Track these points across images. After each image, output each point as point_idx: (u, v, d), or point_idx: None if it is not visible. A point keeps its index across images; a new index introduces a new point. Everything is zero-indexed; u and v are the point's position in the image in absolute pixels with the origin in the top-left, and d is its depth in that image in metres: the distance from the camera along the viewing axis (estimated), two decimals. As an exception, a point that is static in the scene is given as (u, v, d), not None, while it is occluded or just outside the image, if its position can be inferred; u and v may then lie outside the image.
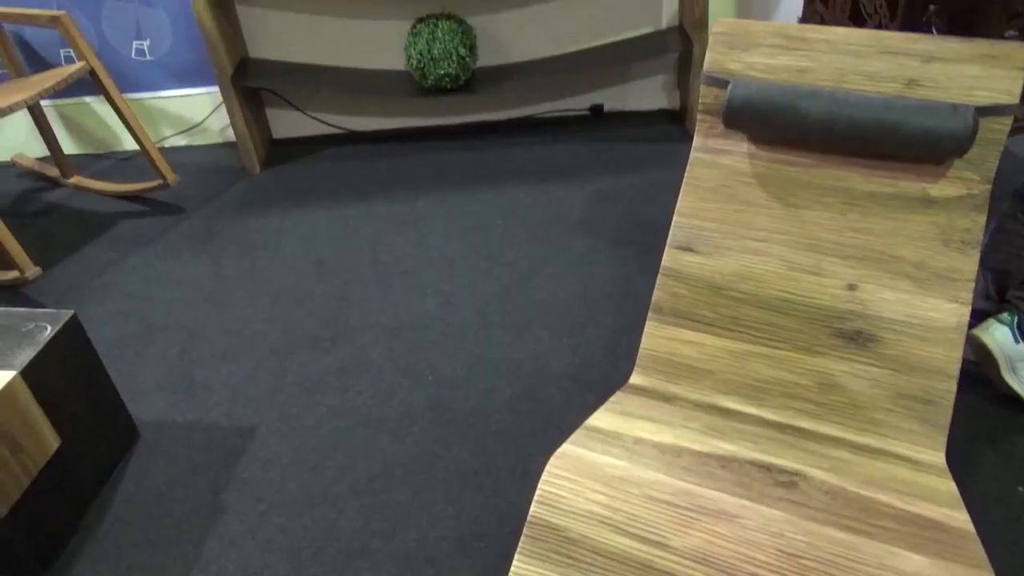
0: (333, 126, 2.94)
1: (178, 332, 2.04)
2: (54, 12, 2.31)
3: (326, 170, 2.73)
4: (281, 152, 2.88)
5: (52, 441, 1.47)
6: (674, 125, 2.81)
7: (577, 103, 2.91)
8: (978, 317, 1.57)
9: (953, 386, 1.23)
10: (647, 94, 2.89)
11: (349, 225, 2.42)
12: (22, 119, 2.86)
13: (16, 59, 2.59)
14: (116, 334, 2.05)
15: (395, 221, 2.42)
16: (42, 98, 2.23)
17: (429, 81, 2.55)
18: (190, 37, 2.73)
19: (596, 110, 2.92)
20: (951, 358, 1.24)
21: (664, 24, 2.75)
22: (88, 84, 2.50)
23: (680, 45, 2.59)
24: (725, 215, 1.42)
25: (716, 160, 1.46)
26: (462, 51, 2.50)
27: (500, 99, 2.89)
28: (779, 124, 1.35)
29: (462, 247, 2.26)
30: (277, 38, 2.73)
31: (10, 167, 2.93)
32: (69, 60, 2.77)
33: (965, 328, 1.24)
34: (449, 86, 2.57)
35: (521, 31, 2.73)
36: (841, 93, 1.31)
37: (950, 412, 1.22)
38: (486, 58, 2.76)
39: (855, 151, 1.35)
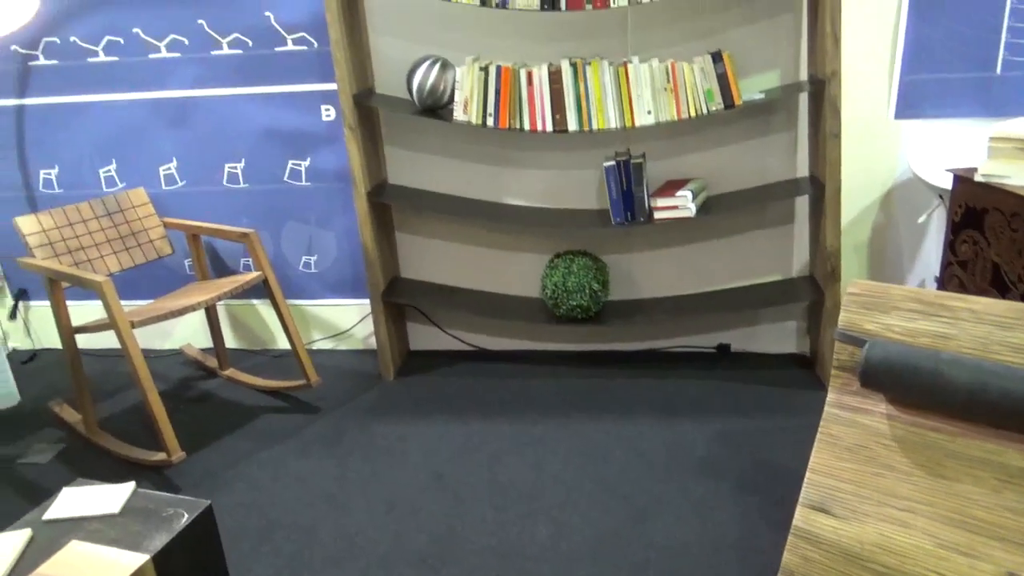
0: (467, 343, 3.11)
1: (295, 532, 2.08)
2: (245, 230, 2.68)
3: (455, 385, 2.85)
4: (416, 363, 3.04)
5: (163, 632, 1.49)
6: (803, 371, 2.77)
7: (704, 341, 2.95)
8: None
9: None
10: (775, 338, 2.89)
11: (471, 441, 2.47)
12: (196, 313, 3.21)
13: (205, 264, 2.97)
14: (238, 525, 2.12)
15: (516, 442, 2.44)
16: (220, 300, 2.53)
17: (561, 310, 2.69)
18: (352, 256, 3.06)
19: (723, 349, 2.94)
20: None
21: (794, 272, 2.81)
22: (259, 289, 2.81)
23: (810, 294, 2.62)
24: (863, 477, 1.36)
25: (853, 418, 1.43)
26: (595, 286, 2.65)
27: (629, 332, 2.98)
28: (921, 388, 1.32)
29: (580, 476, 2.24)
30: (426, 261, 3.01)
31: (178, 355, 3.25)
32: (247, 268, 3.15)
33: None
34: (580, 316, 2.69)
35: (653, 270, 2.87)
36: (988, 363, 1.28)
37: None
38: (617, 292, 2.90)
39: (1007, 423, 1.28)
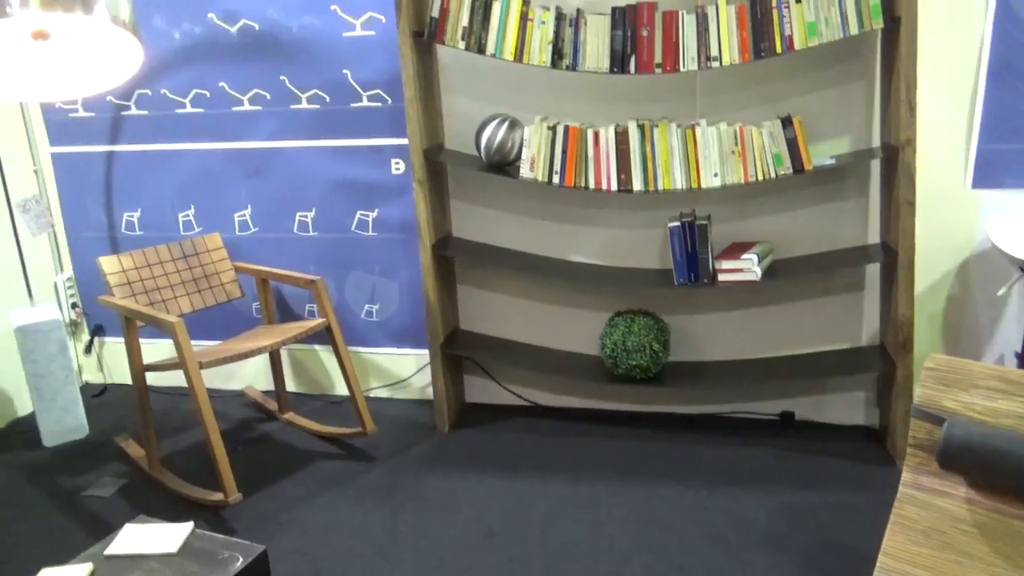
0: (523, 398, 3.09)
1: (345, 582, 2.07)
2: (312, 277, 2.75)
3: (510, 440, 2.82)
4: (472, 415, 3.03)
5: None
6: (872, 444, 2.66)
7: (767, 407, 2.87)
8: None
9: None
10: (843, 408, 2.79)
11: (524, 500, 2.43)
12: (260, 356, 3.28)
13: (271, 308, 3.05)
14: (289, 571, 2.12)
15: (570, 503, 2.40)
16: (284, 345, 2.58)
17: (620, 370, 2.65)
18: (413, 306, 3.10)
19: (787, 417, 2.85)
20: None
21: (864, 341, 2.72)
22: (321, 335, 2.87)
23: (881, 365, 2.53)
24: (941, 565, 1.28)
25: (929, 500, 1.36)
26: (656, 346, 2.61)
27: (689, 394, 2.92)
28: (1004, 473, 1.25)
29: (635, 543, 2.18)
30: (486, 314, 3.02)
31: (240, 395, 3.32)
32: (311, 314, 3.22)
33: None
34: (639, 377, 2.66)
35: (715, 333, 2.82)
36: (1080, 451, 1.20)
37: None
38: (678, 353, 2.85)
39: (1103, 518, 1.20)
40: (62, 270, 3.38)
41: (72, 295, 3.40)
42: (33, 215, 3.05)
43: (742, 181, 2.42)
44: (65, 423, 2.99)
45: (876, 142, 2.53)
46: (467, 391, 3.15)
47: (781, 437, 2.74)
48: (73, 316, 3.41)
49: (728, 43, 2.33)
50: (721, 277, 2.51)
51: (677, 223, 2.50)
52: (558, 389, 3.05)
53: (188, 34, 2.98)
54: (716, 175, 2.43)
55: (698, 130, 2.42)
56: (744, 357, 2.82)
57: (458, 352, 2.88)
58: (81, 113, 3.19)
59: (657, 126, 2.45)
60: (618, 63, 2.41)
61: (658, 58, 2.39)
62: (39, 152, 3.27)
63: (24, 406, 3.24)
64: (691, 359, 2.86)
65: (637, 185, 2.49)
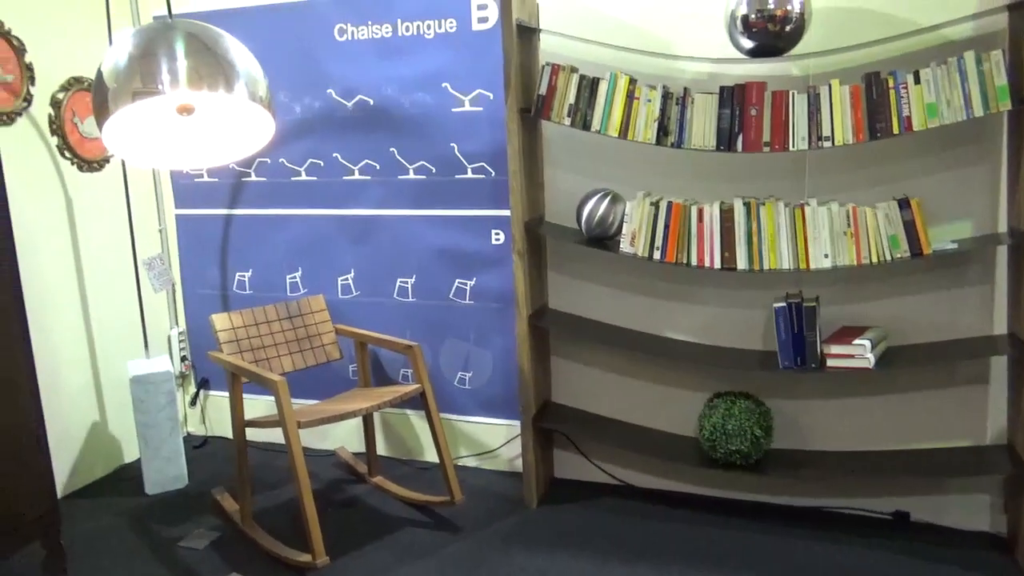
0: (614, 477, 3.00)
1: (427, 659, 2.01)
2: (409, 342, 2.79)
3: (599, 520, 2.73)
4: (560, 491, 2.96)
5: None
6: (997, 554, 2.42)
7: (879, 505, 2.67)
8: None
9: None
10: (964, 511, 2.57)
11: (613, 585, 2.33)
12: (353, 418, 3.33)
13: (368, 371, 3.10)
14: (372, 644, 2.08)
15: (662, 593, 2.28)
16: (379, 409, 2.61)
17: (719, 454, 2.54)
18: (506, 376, 3.09)
19: (901, 517, 2.64)
20: None
21: (988, 440, 2.52)
22: (414, 400, 2.88)
23: (1009, 467, 2.33)
24: None
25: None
26: (757, 431, 2.50)
27: (792, 485, 2.76)
28: None
29: (733, 644, 2.03)
30: (579, 388, 2.97)
31: (332, 456, 3.37)
32: (405, 378, 3.26)
33: None
34: (739, 463, 2.53)
35: (822, 421, 2.68)
36: None
37: None
38: (781, 440, 2.71)
39: None
40: (177, 324, 3.57)
41: (183, 349, 3.57)
42: (156, 272, 3.24)
43: (854, 263, 2.33)
44: (167, 472, 3.10)
45: (1002, 227, 2.39)
46: (557, 466, 3.08)
47: (894, 539, 2.54)
48: (182, 369, 3.57)
49: (841, 123, 2.28)
50: (830, 363, 2.39)
51: (783, 303, 2.42)
52: (651, 470, 2.94)
53: (308, 108, 3.17)
54: (827, 256, 2.35)
55: (807, 209, 2.36)
56: (853, 449, 2.65)
57: (550, 425, 2.83)
58: (205, 178, 3.41)
59: (764, 204, 2.40)
60: (725, 141, 2.39)
61: (766, 137, 2.36)
62: (165, 213, 3.51)
63: (131, 453, 3.38)
64: (795, 447, 2.71)
65: (741, 263, 2.43)
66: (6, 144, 2.77)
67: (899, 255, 2.29)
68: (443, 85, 2.95)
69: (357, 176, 3.16)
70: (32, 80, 2.88)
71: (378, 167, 3.11)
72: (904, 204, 2.28)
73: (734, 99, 2.37)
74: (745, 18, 2.29)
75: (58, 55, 2.99)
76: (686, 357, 2.61)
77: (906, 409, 2.59)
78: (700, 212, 2.46)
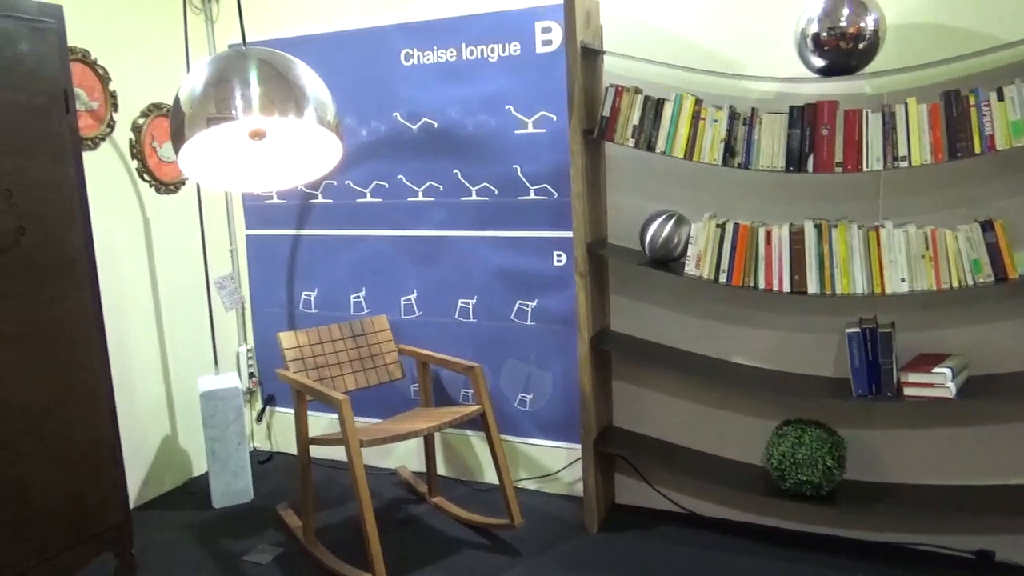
0: (677, 504, 2.92)
1: None
2: (471, 363, 2.79)
3: (662, 549, 2.66)
4: (621, 517, 2.90)
5: None
6: (1097, 600, 2.26)
7: (960, 542, 2.53)
8: None
9: None
10: (1056, 552, 2.41)
11: (677, 617, 2.26)
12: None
13: (429, 391, 3.11)
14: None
15: (728, 628, 2.20)
16: (440, 429, 2.61)
17: (788, 484, 2.45)
18: (567, 398, 3.06)
19: (985, 557, 2.49)
20: None
21: (1082, 476, 2.36)
22: (474, 421, 2.88)
23: (1108, 506, 2.18)
24: None
25: None
26: (829, 461, 2.40)
27: (866, 519, 2.64)
28: None
29: None
30: (642, 412, 2.92)
31: (392, 474, 3.39)
32: (466, 398, 3.26)
33: None
34: (809, 494, 2.44)
35: (899, 452, 2.56)
36: None
37: None
38: (855, 471, 2.60)
39: None
40: (245, 342, 3.66)
41: (251, 365, 3.66)
42: (227, 292, 3.34)
43: (934, 288, 2.23)
44: (234, 487, 3.17)
45: (1096, 250, 2.26)
46: (618, 491, 3.03)
47: (978, 579, 2.40)
48: (250, 385, 3.65)
49: (919, 142, 2.20)
50: (907, 391, 2.28)
51: (856, 329, 2.33)
52: (716, 498, 2.86)
53: (374, 131, 3.23)
54: (903, 280, 2.25)
55: (882, 232, 2.27)
56: (932, 482, 2.53)
57: (611, 450, 2.79)
58: (275, 200, 3.50)
59: (836, 226, 2.33)
60: (795, 162, 2.34)
61: (839, 157, 2.29)
62: (236, 234, 3.61)
63: (200, 467, 3.47)
64: (869, 479, 2.60)
65: (812, 287, 2.35)
66: (90, 168, 2.90)
67: (982, 279, 2.19)
68: (506, 107, 2.97)
69: (421, 198, 3.20)
70: (115, 107, 3.02)
71: (441, 188, 3.15)
72: (987, 226, 2.17)
73: (804, 119, 2.32)
74: (816, 36, 2.24)
75: (139, 83, 3.13)
76: (753, 383, 2.54)
77: (990, 442, 2.45)
78: (768, 234, 2.40)
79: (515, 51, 2.92)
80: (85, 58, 2.88)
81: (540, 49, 2.88)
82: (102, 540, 2.41)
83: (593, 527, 2.80)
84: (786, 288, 2.39)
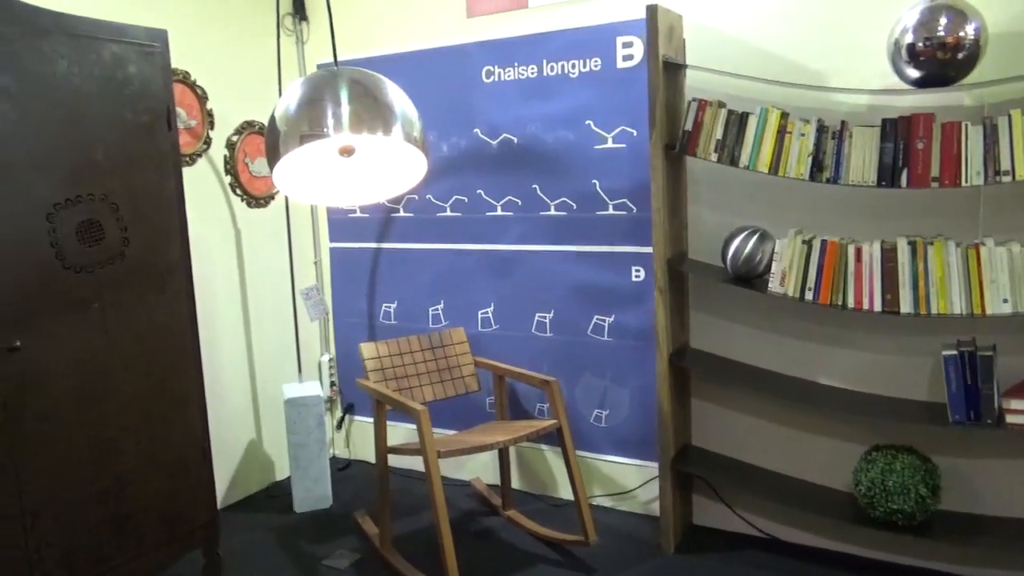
0: (758, 529, 2.84)
1: None
2: (547, 377, 2.79)
3: (741, 573, 2.59)
4: (698, 540, 2.84)
5: None
6: None
7: (1067, 582, 2.37)
8: None
9: None
10: None
11: (757, 645, 2.19)
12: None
13: (505, 404, 3.13)
14: None
15: (812, 659, 2.12)
16: (516, 443, 2.62)
17: (877, 512, 2.35)
18: (644, 415, 3.02)
19: (1096, 598, 2.33)
20: None
21: None
22: (549, 435, 2.87)
23: None
24: None
25: None
26: (922, 490, 2.29)
27: (962, 552, 2.50)
28: None
29: None
30: (721, 432, 2.86)
31: (467, 486, 3.41)
32: (541, 412, 3.26)
33: None
34: (900, 523, 2.33)
35: (998, 482, 2.42)
36: None
37: None
38: (951, 502, 2.47)
39: None
40: (327, 351, 3.77)
41: (332, 374, 3.76)
42: (313, 302, 3.45)
43: (1040, 310, 2.11)
44: (314, 492, 3.25)
45: None
46: (695, 512, 2.96)
47: (1089, 623, 2.24)
48: (330, 393, 3.75)
49: (1023, 156, 2.09)
50: (1010, 419, 2.16)
51: (954, 351, 2.22)
52: (798, 523, 2.76)
53: (455, 147, 3.29)
54: (1006, 301, 2.14)
55: (983, 250, 2.16)
56: (1037, 516, 2.38)
57: (690, 470, 2.73)
58: (358, 214, 3.60)
59: (931, 243, 2.23)
60: (887, 176, 2.25)
61: (935, 171, 2.20)
62: (320, 246, 3.73)
63: (282, 471, 3.58)
64: (966, 510, 2.46)
65: (905, 307, 2.26)
66: (188, 182, 3.05)
67: (1095, 302, 2.06)
68: (586, 122, 2.97)
69: (500, 212, 3.23)
70: (212, 125, 3.17)
71: (520, 203, 3.17)
72: (1101, 245, 2.04)
73: (898, 132, 2.24)
74: (912, 47, 2.16)
75: (234, 102, 3.28)
76: (841, 405, 2.45)
77: (1103, 475, 2.29)
78: (858, 251, 2.32)
79: (596, 66, 2.93)
80: (185, 79, 3.04)
81: (621, 64, 2.88)
82: (192, 538, 2.51)
83: (670, 548, 2.75)
84: (877, 307, 2.30)
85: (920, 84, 2.22)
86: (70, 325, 2.15)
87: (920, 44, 2.14)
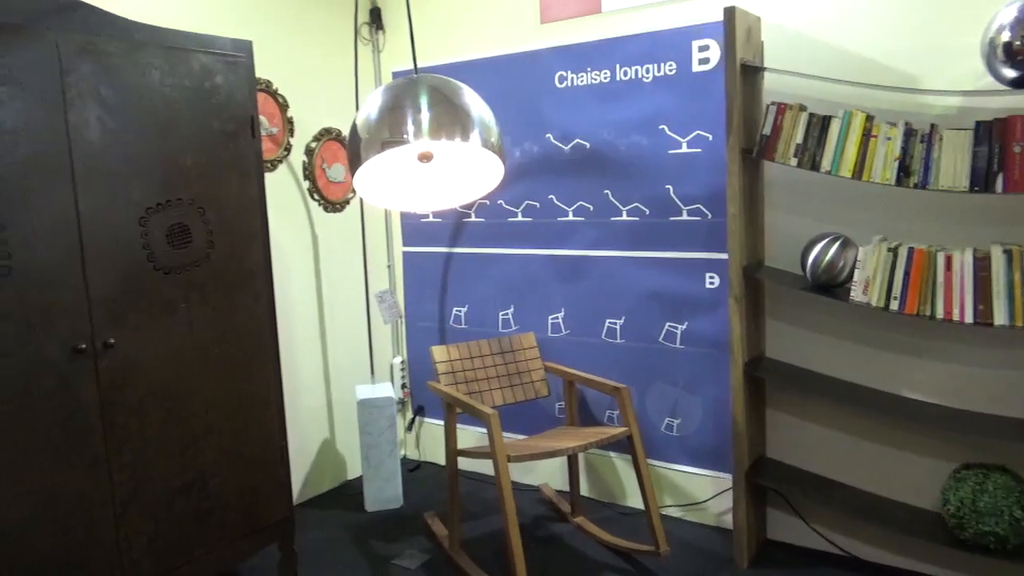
0: (835, 546, 2.74)
1: None
2: (618, 384, 2.76)
3: (818, 591, 2.51)
4: (773, 554, 2.76)
5: None
6: None
7: None
8: None
9: None
10: None
11: (836, 667, 2.11)
12: (558, 456, 3.36)
13: (575, 410, 3.11)
14: None
15: None
16: (586, 449, 2.60)
17: (967, 534, 2.24)
18: (717, 425, 2.96)
19: None
20: None
21: None
22: (619, 443, 2.85)
23: None
24: None
25: None
26: (1017, 512, 2.17)
27: (1057, 577, 2.36)
28: None
29: None
30: (798, 445, 2.77)
31: (535, 491, 3.41)
32: (610, 420, 3.23)
33: None
34: (992, 546, 2.21)
35: (1101, 507, 2.27)
36: None
37: None
38: (1046, 526, 2.33)
39: None
40: (399, 354, 3.83)
41: (403, 377, 3.82)
42: (387, 306, 3.51)
43: None
44: (385, 492, 3.31)
45: None
46: (770, 526, 2.88)
47: None
48: (402, 395, 3.81)
49: None
50: (1116, 439, 2.03)
51: (1053, 367, 2.10)
52: (880, 542, 2.66)
53: (527, 152, 3.30)
54: (1112, 314, 2.01)
55: (1087, 259, 2.04)
56: None
57: (765, 482, 2.66)
58: (431, 219, 3.65)
59: (1029, 252, 2.11)
60: (980, 181, 2.15)
61: (1034, 176, 2.08)
62: (393, 250, 3.80)
63: (354, 471, 3.66)
64: (1065, 535, 2.32)
65: (1000, 319, 2.15)
66: (269, 188, 3.16)
67: None
68: (660, 127, 2.94)
69: (571, 217, 3.22)
70: (292, 132, 3.27)
71: (592, 208, 3.16)
72: None
73: (992, 134, 2.13)
74: (1008, 45, 2.06)
75: (313, 109, 3.38)
76: (927, 420, 2.35)
77: None
78: (948, 259, 2.22)
79: (671, 70, 2.89)
80: (268, 88, 3.15)
81: (696, 68, 2.84)
82: (269, 532, 2.59)
83: (743, 562, 2.68)
84: (968, 319, 2.19)
85: (1017, 84, 2.11)
86: (159, 325, 2.25)
87: (1018, 42, 2.04)
